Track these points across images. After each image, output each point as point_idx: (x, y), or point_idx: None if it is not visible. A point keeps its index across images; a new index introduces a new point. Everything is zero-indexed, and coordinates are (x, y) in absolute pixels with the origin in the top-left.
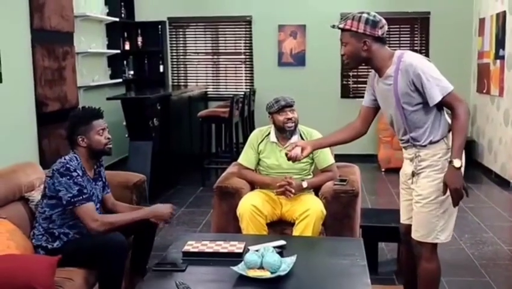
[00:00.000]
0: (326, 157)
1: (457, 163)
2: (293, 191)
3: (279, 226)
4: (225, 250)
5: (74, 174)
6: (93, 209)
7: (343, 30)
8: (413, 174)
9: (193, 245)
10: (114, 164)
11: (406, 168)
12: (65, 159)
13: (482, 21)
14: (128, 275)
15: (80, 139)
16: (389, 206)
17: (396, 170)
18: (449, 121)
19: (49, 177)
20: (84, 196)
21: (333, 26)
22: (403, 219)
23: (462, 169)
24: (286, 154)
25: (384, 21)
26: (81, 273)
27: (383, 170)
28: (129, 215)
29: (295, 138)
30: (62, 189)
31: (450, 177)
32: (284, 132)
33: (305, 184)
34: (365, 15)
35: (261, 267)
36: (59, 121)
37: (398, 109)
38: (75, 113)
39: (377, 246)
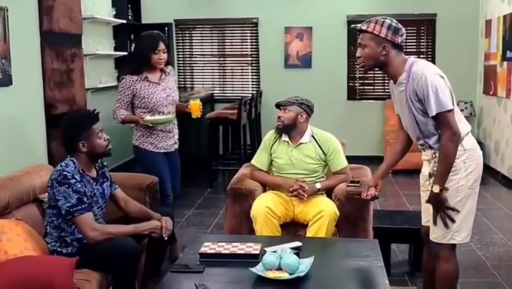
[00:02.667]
0: (340, 160)
1: (435, 189)
2: (306, 195)
3: (292, 228)
4: (242, 252)
5: (73, 181)
6: (91, 219)
7: (363, 32)
8: (430, 176)
9: (209, 247)
10: (121, 165)
11: (424, 170)
12: (61, 166)
13: (488, 23)
14: (141, 279)
15: (81, 145)
16: (397, 207)
17: (403, 172)
18: (464, 125)
19: (49, 187)
20: (83, 205)
21: (354, 27)
22: (424, 221)
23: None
24: (365, 199)
25: (404, 30)
26: (97, 275)
27: (390, 171)
28: (128, 228)
29: (306, 138)
30: (61, 199)
31: (431, 200)
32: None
33: (318, 185)
34: (388, 20)
35: (279, 268)
36: None
37: (410, 116)
38: (71, 119)
39: (390, 247)
